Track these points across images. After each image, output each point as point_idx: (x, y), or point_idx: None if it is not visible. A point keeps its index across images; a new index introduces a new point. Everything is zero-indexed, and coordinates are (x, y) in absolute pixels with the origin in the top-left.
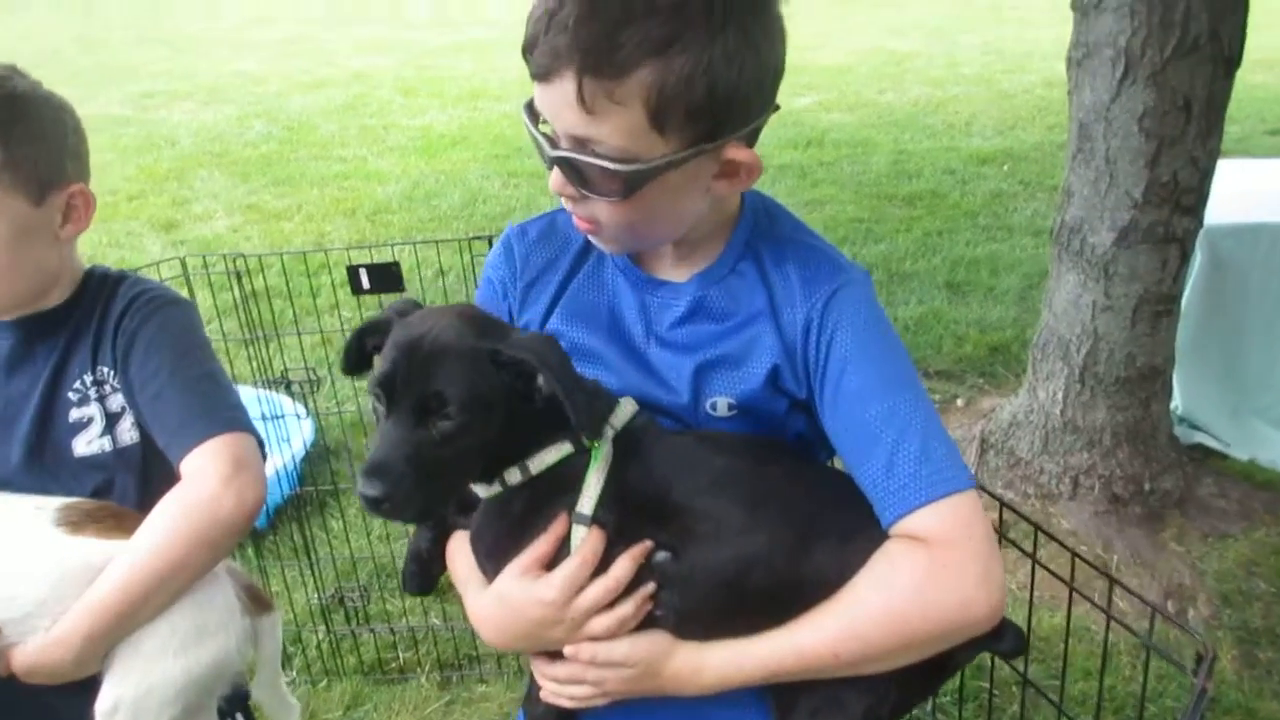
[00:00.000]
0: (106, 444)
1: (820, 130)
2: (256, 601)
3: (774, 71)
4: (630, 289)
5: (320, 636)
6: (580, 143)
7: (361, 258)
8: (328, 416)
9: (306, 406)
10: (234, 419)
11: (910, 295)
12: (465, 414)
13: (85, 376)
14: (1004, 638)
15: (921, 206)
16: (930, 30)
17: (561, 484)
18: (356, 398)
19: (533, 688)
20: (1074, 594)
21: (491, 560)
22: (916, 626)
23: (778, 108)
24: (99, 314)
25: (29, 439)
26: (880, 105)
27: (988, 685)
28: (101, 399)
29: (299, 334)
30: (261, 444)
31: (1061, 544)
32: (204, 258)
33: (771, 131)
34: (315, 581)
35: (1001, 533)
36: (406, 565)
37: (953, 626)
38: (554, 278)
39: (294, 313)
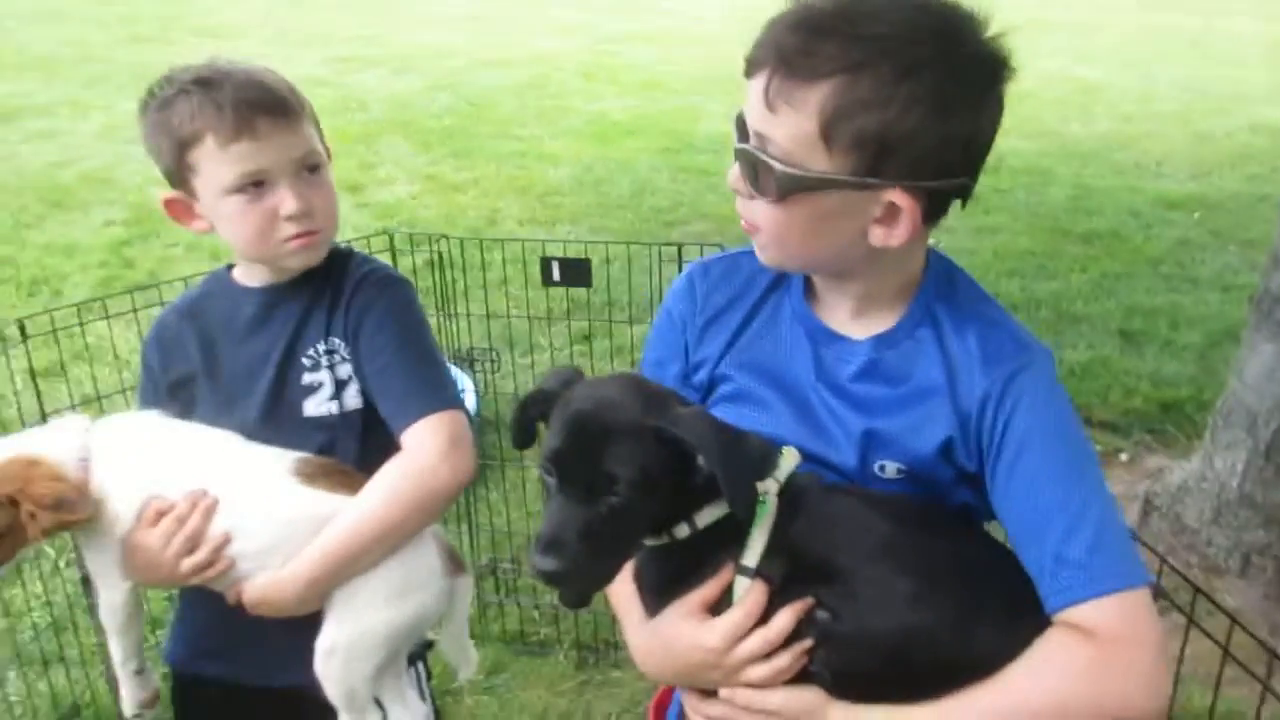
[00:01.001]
0: (334, 407)
1: (997, 156)
2: (454, 563)
3: (963, 140)
4: (806, 339)
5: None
6: (759, 139)
7: (539, 247)
8: (488, 393)
9: (485, 383)
10: (451, 397)
11: (1079, 339)
12: (634, 491)
13: (319, 345)
14: None
15: (1099, 246)
16: (1124, 61)
17: (727, 534)
18: (513, 376)
19: (681, 718)
20: (1230, 667)
21: (655, 596)
22: (1074, 718)
23: (968, 186)
24: (331, 287)
25: (265, 396)
26: (1063, 135)
27: None
28: (332, 366)
29: (468, 314)
30: (470, 419)
31: (1224, 612)
32: (410, 235)
33: None
34: (471, 549)
35: (1159, 591)
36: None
37: None
38: (733, 318)
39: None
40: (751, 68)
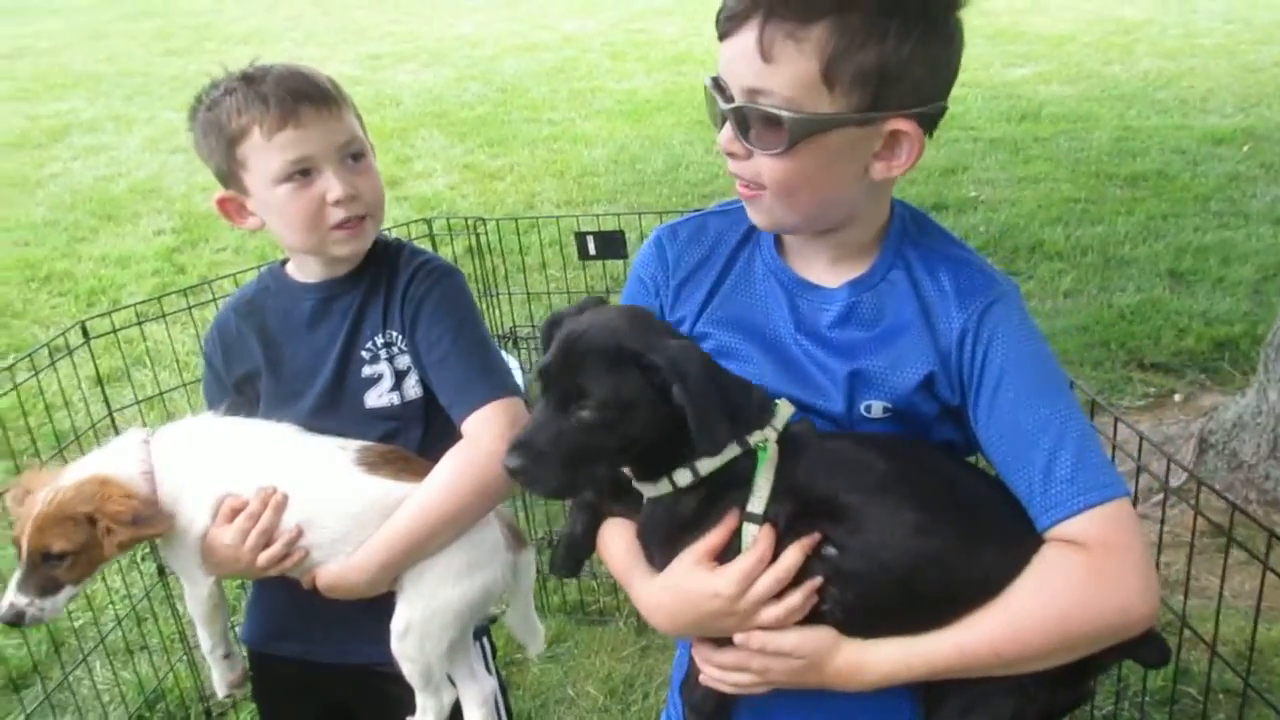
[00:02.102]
0: (395, 398)
1: (1037, 103)
2: (517, 539)
3: (947, 65)
4: (781, 290)
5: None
6: (752, 95)
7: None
8: (533, 371)
9: (529, 362)
10: (508, 384)
11: (1128, 282)
12: (604, 409)
13: (376, 338)
14: (1149, 646)
15: (1146, 188)
16: None
17: (729, 482)
18: None
19: (691, 673)
20: None
21: (662, 551)
22: (1077, 628)
23: (945, 109)
24: (386, 280)
25: (327, 390)
26: (1105, 78)
27: (1193, 691)
28: (391, 359)
29: (509, 294)
30: (527, 403)
31: None
32: (447, 220)
33: (984, 103)
34: (528, 524)
35: (1230, 535)
36: (556, 549)
37: (1111, 629)
38: (706, 277)
39: (521, 271)
40: (733, 23)
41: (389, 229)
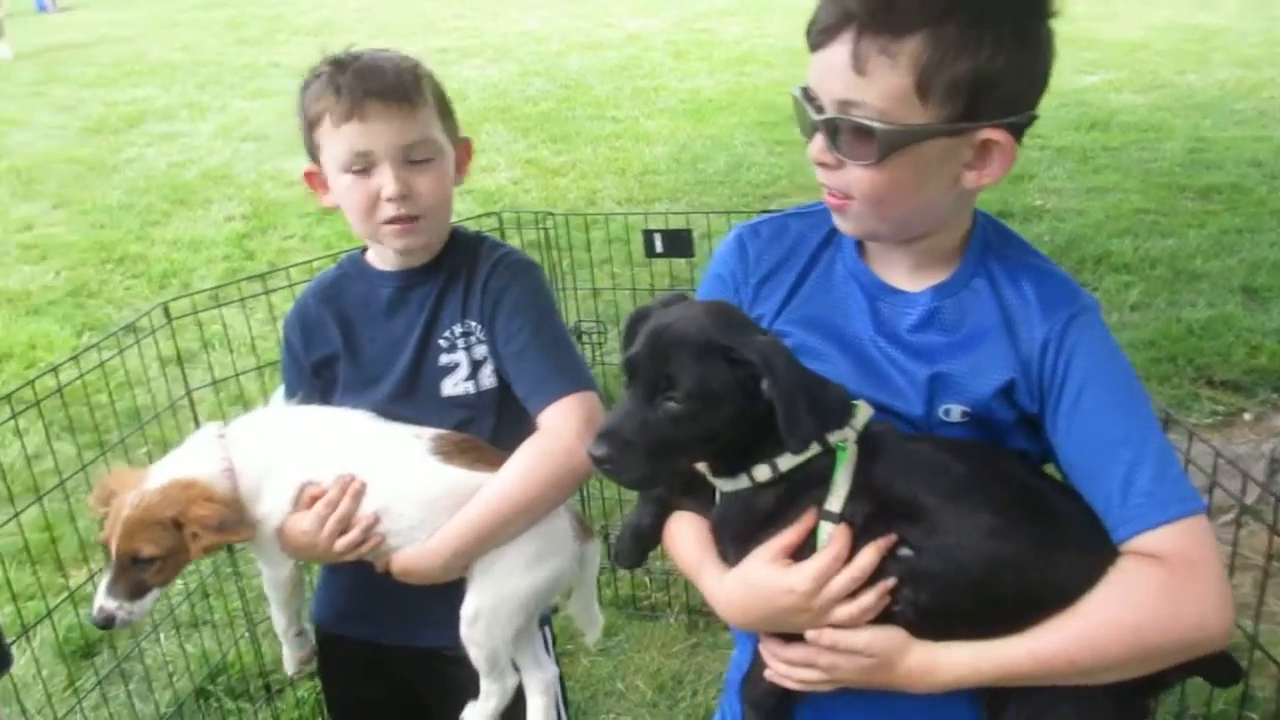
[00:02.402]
0: (470, 387)
1: (1108, 111)
2: (584, 530)
3: (1039, 75)
4: (861, 293)
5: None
6: (845, 106)
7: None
8: (597, 365)
9: (593, 356)
10: (586, 379)
11: (1198, 297)
12: (691, 400)
13: (455, 327)
14: (1220, 664)
15: (1219, 201)
16: (1245, 2)
17: (808, 480)
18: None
19: (754, 669)
20: None
21: (736, 546)
22: (1153, 641)
23: (1035, 117)
24: (466, 271)
25: (404, 377)
26: (1179, 87)
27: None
28: (468, 348)
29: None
30: (603, 398)
31: None
32: (518, 215)
33: (1052, 111)
34: (586, 514)
35: None
36: (621, 539)
37: (1187, 643)
38: (787, 277)
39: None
40: (825, 36)
41: (460, 221)
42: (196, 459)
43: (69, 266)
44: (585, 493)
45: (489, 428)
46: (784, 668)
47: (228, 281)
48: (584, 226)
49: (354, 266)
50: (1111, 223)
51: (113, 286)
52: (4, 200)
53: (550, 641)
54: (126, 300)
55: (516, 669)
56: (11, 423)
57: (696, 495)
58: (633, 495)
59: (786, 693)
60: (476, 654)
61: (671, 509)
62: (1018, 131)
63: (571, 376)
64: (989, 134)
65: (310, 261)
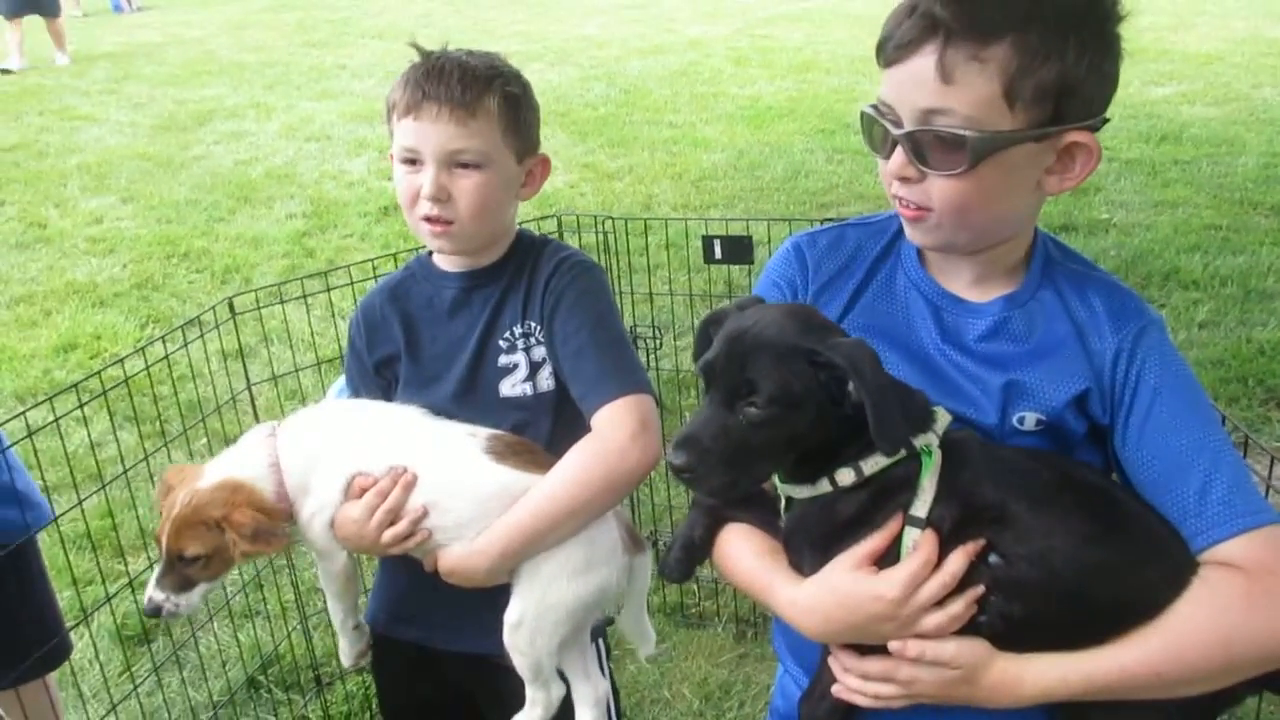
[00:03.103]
0: (528, 389)
1: (1179, 124)
2: (635, 542)
3: (1114, 76)
4: (925, 303)
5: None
6: (928, 117)
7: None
8: (651, 370)
9: (647, 361)
10: (641, 381)
11: (1269, 317)
12: (773, 405)
13: (515, 328)
14: None
15: None
16: None
17: (892, 485)
18: (674, 355)
19: (818, 684)
20: None
21: (814, 554)
22: (1238, 651)
23: (1107, 120)
24: (529, 273)
25: (463, 376)
26: (1254, 100)
27: None
28: (527, 349)
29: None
30: (659, 402)
31: None
32: (577, 218)
33: (1121, 123)
34: (634, 521)
35: None
36: (671, 551)
37: (1271, 653)
38: (846, 286)
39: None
40: (907, 49)
41: (520, 224)
42: (246, 458)
43: (135, 260)
44: (635, 498)
45: (545, 431)
46: (858, 682)
47: (291, 278)
48: (641, 230)
49: (420, 268)
50: (1180, 238)
51: (177, 280)
52: (74, 194)
53: (605, 655)
54: (189, 294)
55: (565, 680)
56: (78, 411)
57: (750, 507)
58: (682, 500)
59: (850, 709)
60: (520, 661)
61: (724, 521)
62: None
63: (627, 378)
64: (1075, 137)
65: (371, 260)
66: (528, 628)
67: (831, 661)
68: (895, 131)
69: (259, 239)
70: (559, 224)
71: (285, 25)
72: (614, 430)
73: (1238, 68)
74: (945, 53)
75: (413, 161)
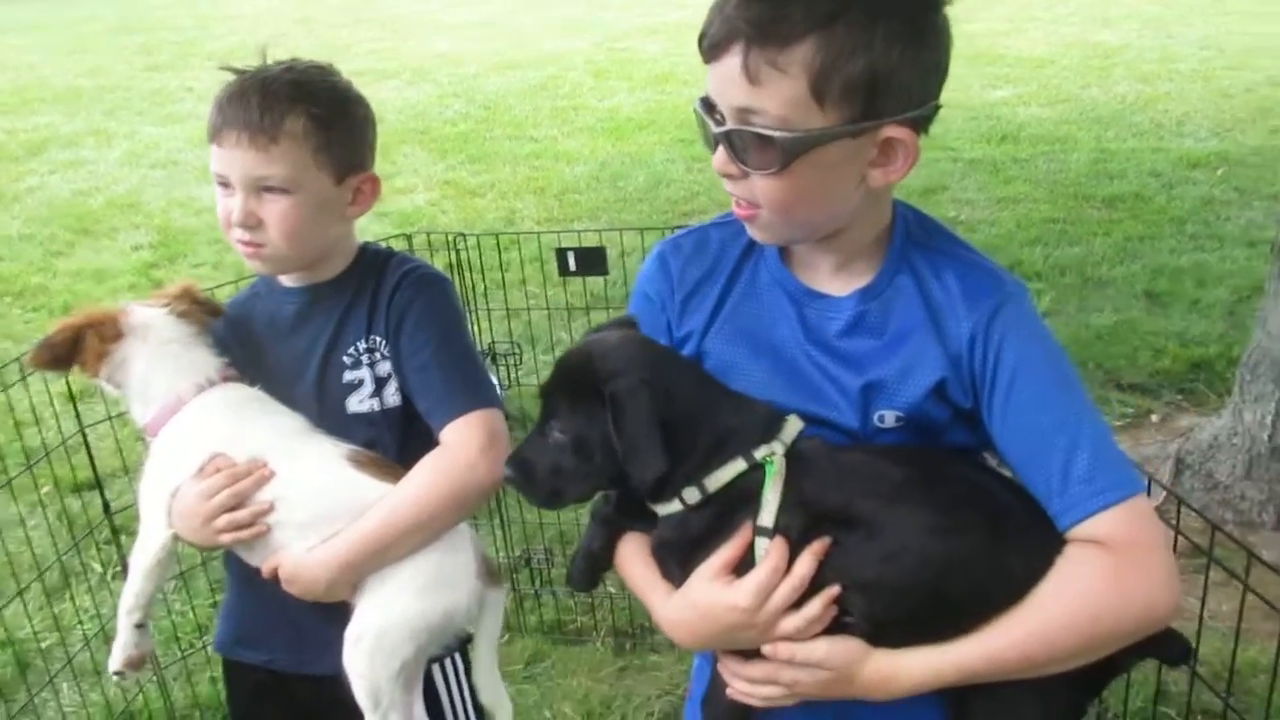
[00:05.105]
0: (375, 404)
1: (1016, 124)
2: (490, 574)
3: (936, 66)
4: (788, 300)
5: (506, 594)
6: (742, 116)
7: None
8: (514, 387)
9: (508, 379)
10: (490, 396)
11: (1105, 303)
12: (568, 432)
13: (359, 343)
14: (1170, 643)
15: (1123, 209)
16: (1144, 21)
17: (739, 498)
18: (536, 372)
19: (714, 688)
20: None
21: (680, 568)
22: (1105, 628)
23: (939, 107)
24: (373, 286)
25: (309, 393)
26: (1083, 100)
27: (1172, 712)
28: (372, 364)
29: (489, 310)
30: (508, 416)
31: (1275, 570)
32: (428, 235)
33: (964, 124)
34: (505, 541)
35: (1210, 555)
36: (574, 562)
37: (1138, 626)
38: (712, 291)
39: (501, 288)
40: (717, 49)
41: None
42: (179, 361)
43: None
44: (505, 516)
45: (394, 447)
46: (746, 686)
47: None
48: (499, 247)
49: (264, 284)
50: (1022, 232)
51: (10, 321)
52: None
53: (463, 673)
54: (26, 335)
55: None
56: None
57: (643, 517)
58: (552, 518)
59: (748, 710)
60: (359, 685)
61: (621, 531)
62: (922, 125)
63: (475, 393)
64: (890, 132)
65: (220, 287)
66: (367, 644)
67: (720, 666)
68: (715, 130)
69: (102, 272)
70: (409, 243)
71: (125, 48)
72: (463, 444)
73: (1068, 70)
74: (749, 56)
75: (226, 184)
